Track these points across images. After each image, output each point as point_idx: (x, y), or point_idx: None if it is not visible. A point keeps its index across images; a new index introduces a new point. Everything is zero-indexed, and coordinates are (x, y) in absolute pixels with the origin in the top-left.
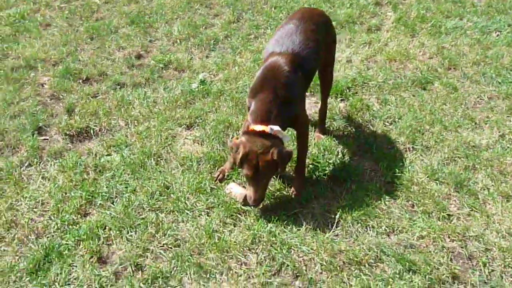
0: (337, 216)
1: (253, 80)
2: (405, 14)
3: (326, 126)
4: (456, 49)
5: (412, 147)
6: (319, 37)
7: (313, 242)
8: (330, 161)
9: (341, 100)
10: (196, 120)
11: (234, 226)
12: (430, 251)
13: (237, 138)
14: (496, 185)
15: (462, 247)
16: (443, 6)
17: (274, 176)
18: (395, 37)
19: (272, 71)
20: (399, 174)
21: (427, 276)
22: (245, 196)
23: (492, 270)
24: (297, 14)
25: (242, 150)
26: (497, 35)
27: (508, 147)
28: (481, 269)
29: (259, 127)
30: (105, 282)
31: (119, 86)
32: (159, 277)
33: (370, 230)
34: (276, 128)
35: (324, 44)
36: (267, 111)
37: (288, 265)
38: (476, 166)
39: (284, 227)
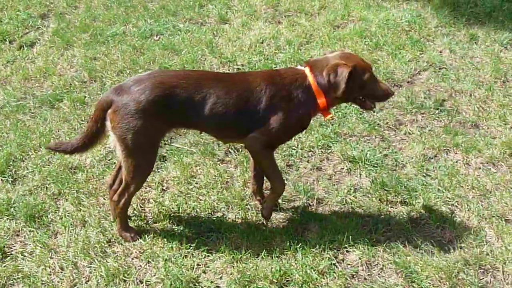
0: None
1: None
2: (68, 25)
3: None
4: (107, 58)
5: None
6: None
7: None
8: None
9: None
10: None
11: None
12: None
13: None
14: None
15: None
16: (112, 13)
17: None
18: (46, 52)
19: None
20: None
21: None
22: None
23: None
24: None
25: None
26: (158, 38)
27: None
28: None
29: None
30: None
31: None
32: None
33: None
34: None
35: None
36: None
37: None
38: None
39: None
